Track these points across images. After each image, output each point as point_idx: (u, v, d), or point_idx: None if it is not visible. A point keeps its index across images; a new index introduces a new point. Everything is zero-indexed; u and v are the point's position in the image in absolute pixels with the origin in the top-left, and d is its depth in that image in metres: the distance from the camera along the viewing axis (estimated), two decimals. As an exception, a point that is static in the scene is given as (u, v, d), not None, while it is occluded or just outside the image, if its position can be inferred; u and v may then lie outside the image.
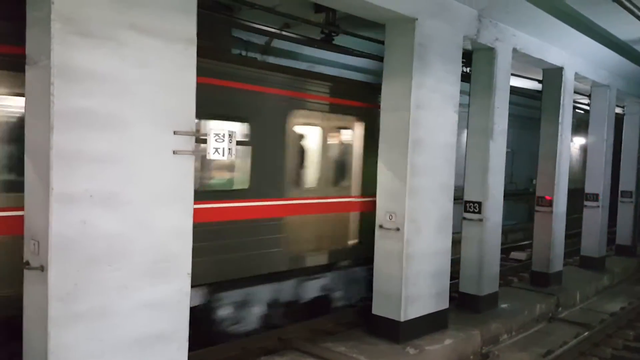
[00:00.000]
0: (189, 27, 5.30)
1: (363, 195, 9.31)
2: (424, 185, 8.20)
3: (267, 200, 7.91)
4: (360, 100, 9.28)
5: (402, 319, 8.03)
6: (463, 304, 9.88)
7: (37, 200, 4.70)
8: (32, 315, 4.82)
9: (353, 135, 9.29)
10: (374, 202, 8.32)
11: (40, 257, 4.63)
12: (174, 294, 5.37)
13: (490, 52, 9.81)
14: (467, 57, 10.14)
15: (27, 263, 4.78)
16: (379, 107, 8.60)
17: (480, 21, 9.17)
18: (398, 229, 7.96)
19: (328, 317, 9.31)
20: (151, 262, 5.18)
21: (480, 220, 9.83)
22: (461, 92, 8.92)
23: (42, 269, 4.60)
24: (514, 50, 10.29)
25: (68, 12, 4.52)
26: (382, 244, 8.19)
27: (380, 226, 8.15)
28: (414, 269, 8.13)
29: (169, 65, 5.20)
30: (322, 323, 9.08)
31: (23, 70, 4.82)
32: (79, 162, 4.68)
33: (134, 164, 5.01)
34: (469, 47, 9.68)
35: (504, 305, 10.45)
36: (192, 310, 5.63)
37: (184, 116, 5.32)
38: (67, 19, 4.52)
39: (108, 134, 4.83)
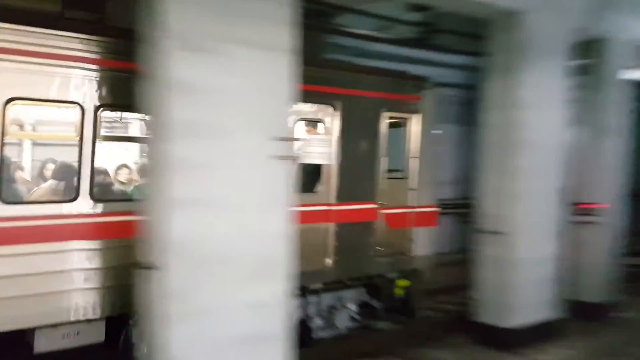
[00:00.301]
0: (287, 37, 5.42)
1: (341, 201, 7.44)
2: (531, 188, 7.79)
3: None
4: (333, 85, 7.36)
5: (508, 327, 7.68)
6: (578, 313, 9.23)
7: (154, 205, 5.02)
8: (148, 312, 5.15)
9: (326, 128, 7.45)
10: (350, 211, 7.30)
11: (156, 257, 4.95)
12: (275, 296, 5.51)
13: (603, 44, 9.11)
14: (578, 50, 9.49)
15: (144, 263, 5.13)
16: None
17: (592, 12, 8.53)
18: (503, 234, 7.62)
19: (425, 322, 9.01)
20: (254, 264, 5.36)
21: (596, 223, 9.15)
22: (572, 87, 8.36)
23: (158, 268, 4.92)
24: (631, 41, 9.46)
25: (178, 29, 4.81)
26: (485, 249, 7.88)
27: (484, 231, 7.84)
28: (521, 275, 7.74)
29: (267, 74, 5.36)
30: (418, 327, 8.86)
31: None
32: (189, 169, 4.95)
33: (236, 170, 5.23)
34: (580, 39, 9.04)
35: (624, 314, 9.64)
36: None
37: (281, 123, 5.47)
38: (176, 35, 4.81)
39: (213, 142, 5.07)
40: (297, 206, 6.76)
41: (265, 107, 5.35)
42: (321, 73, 7.24)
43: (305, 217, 6.94)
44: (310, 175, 7.45)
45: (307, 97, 7.00)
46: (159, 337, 4.93)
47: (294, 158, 5.54)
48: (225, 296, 5.19)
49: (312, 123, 7.56)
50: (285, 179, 5.50)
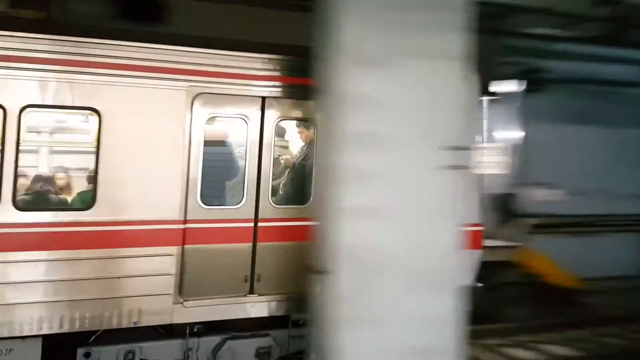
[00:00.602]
0: (460, 43, 5.29)
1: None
2: None
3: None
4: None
5: None
6: None
7: (325, 212, 5.24)
8: (319, 314, 5.36)
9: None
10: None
11: (327, 263, 5.16)
12: (443, 309, 5.37)
13: None
14: None
15: (316, 268, 5.37)
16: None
17: None
18: None
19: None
20: (421, 275, 5.29)
21: None
22: None
23: (329, 273, 5.12)
24: None
25: (350, 44, 5.01)
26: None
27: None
28: None
29: (439, 83, 5.29)
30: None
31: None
32: (359, 179, 5.08)
33: (406, 180, 5.23)
34: None
35: None
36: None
37: (451, 131, 5.34)
38: (349, 50, 5.01)
39: (384, 152, 5.14)
40: (287, 220, 6.23)
41: (437, 116, 5.29)
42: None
43: (291, 233, 6.28)
44: (298, 184, 6.63)
45: (294, 92, 6.31)
46: (329, 341, 5.12)
47: (467, 167, 5.37)
48: (395, 306, 5.21)
49: (304, 123, 6.67)
50: (456, 189, 5.36)
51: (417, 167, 5.24)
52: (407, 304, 5.24)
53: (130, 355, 5.84)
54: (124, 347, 5.83)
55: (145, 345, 5.94)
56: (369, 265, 5.13)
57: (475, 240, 6.72)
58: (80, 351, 5.69)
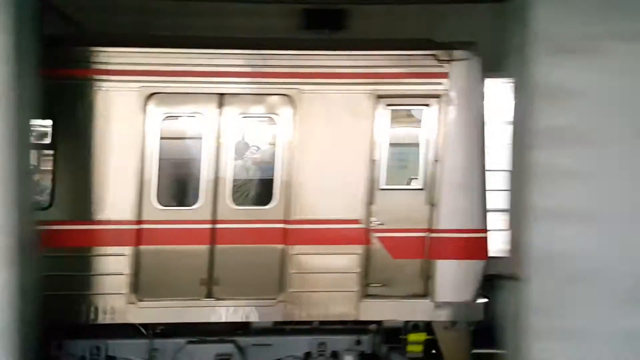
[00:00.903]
0: None
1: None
2: None
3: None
4: None
5: None
6: None
7: (518, 214, 4.93)
8: (509, 323, 5.08)
9: (280, 125, 6.25)
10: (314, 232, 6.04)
11: (520, 269, 4.83)
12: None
13: None
14: None
15: (505, 274, 5.09)
16: None
17: None
18: None
19: None
20: (631, 288, 4.74)
21: None
22: None
23: (522, 280, 4.79)
24: None
25: (546, 33, 4.63)
26: None
27: None
28: None
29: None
30: None
31: None
32: (555, 178, 4.69)
33: (610, 181, 4.72)
34: None
35: None
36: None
37: None
38: (545, 39, 4.63)
39: (585, 148, 4.69)
40: (242, 222, 6.00)
41: None
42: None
43: (254, 235, 6.07)
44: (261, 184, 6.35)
45: (256, 87, 6.10)
46: (521, 352, 4.81)
47: None
48: (596, 318, 4.75)
49: (267, 120, 6.37)
50: None
51: (629, 166, 4.70)
52: (613, 317, 4.75)
53: (96, 351, 6.02)
54: (91, 343, 6.05)
55: (112, 342, 6.07)
56: (568, 273, 4.71)
57: (474, 248, 6.22)
58: (54, 343, 5.96)
